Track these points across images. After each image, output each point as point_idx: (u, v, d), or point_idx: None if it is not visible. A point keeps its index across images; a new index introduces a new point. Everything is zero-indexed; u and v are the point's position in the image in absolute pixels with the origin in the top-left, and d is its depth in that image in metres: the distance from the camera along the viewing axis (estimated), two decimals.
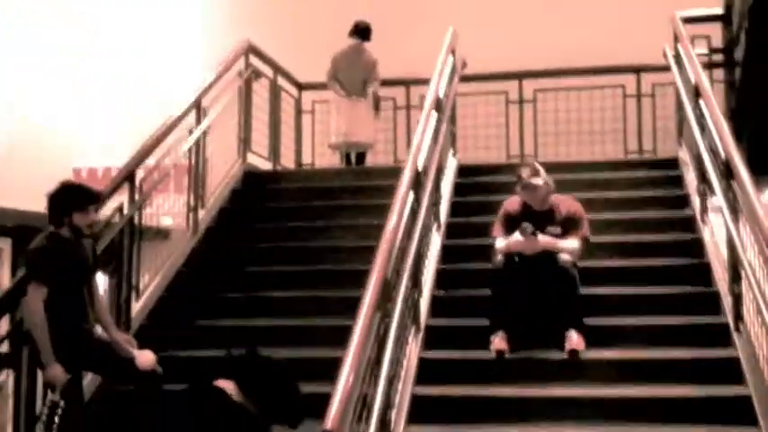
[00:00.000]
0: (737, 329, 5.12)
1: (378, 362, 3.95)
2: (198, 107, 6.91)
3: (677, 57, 7.38)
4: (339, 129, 9.04)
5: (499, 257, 5.41)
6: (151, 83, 11.58)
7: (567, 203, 5.60)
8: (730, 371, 4.92)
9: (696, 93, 6.43)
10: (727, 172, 5.23)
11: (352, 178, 8.24)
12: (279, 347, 4.81)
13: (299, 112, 9.74)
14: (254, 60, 8.31)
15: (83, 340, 4.58)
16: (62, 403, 4.37)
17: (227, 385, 2.91)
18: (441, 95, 6.78)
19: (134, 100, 11.56)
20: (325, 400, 3.12)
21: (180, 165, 6.70)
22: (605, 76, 9.63)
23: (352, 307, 5.41)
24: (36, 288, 4.47)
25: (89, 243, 4.80)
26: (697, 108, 6.35)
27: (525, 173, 5.50)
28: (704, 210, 6.31)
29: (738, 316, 5.13)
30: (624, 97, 9.64)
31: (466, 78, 8.31)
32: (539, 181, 5.47)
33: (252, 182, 7.97)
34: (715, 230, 5.95)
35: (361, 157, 9.38)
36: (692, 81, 6.58)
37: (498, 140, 9.67)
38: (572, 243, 5.42)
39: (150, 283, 6.02)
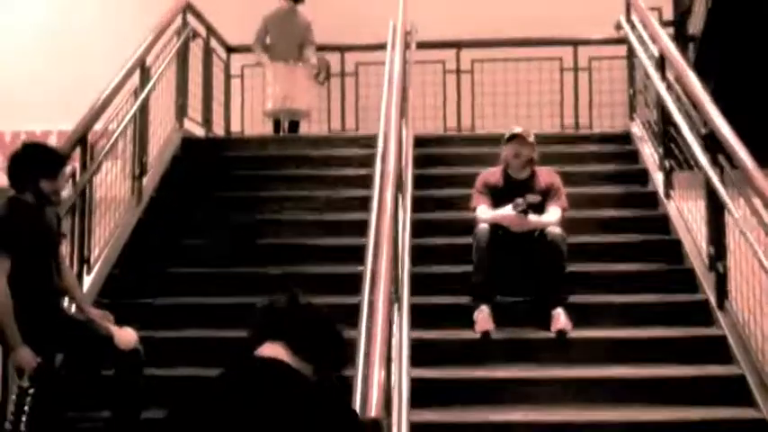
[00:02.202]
0: (721, 307, 5.04)
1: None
2: (142, 66, 6.38)
3: (633, 27, 7.29)
4: (276, 95, 8.59)
5: (482, 226, 5.21)
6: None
7: (547, 175, 5.53)
8: (717, 349, 4.85)
9: (662, 64, 6.33)
10: (713, 145, 5.14)
11: (296, 147, 7.83)
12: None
13: (227, 76, 9.19)
14: (189, 20, 7.76)
15: (53, 317, 4.12)
16: (32, 390, 3.91)
17: (277, 350, 2.30)
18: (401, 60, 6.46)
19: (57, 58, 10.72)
20: None
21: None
22: (543, 49, 9.45)
23: (323, 284, 5.23)
24: None
25: (52, 211, 4.30)
26: (664, 79, 6.25)
27: (516, 130, 5.45)
28: (669, 185, 6.22)
29: (722, 293, 5.04)
30: (561, 70, 9.50)
31: None
32: (531, 138, 5.40)
33: (191, 148, 7.45)
34: (685, 206, 5.87)
35: (294, 125, 8.96)
36: (656, 52, 6.48)
37: (435, 111, 9.36)
38: (554, 215, 5.32)
39: (99, 256, 5.51)
